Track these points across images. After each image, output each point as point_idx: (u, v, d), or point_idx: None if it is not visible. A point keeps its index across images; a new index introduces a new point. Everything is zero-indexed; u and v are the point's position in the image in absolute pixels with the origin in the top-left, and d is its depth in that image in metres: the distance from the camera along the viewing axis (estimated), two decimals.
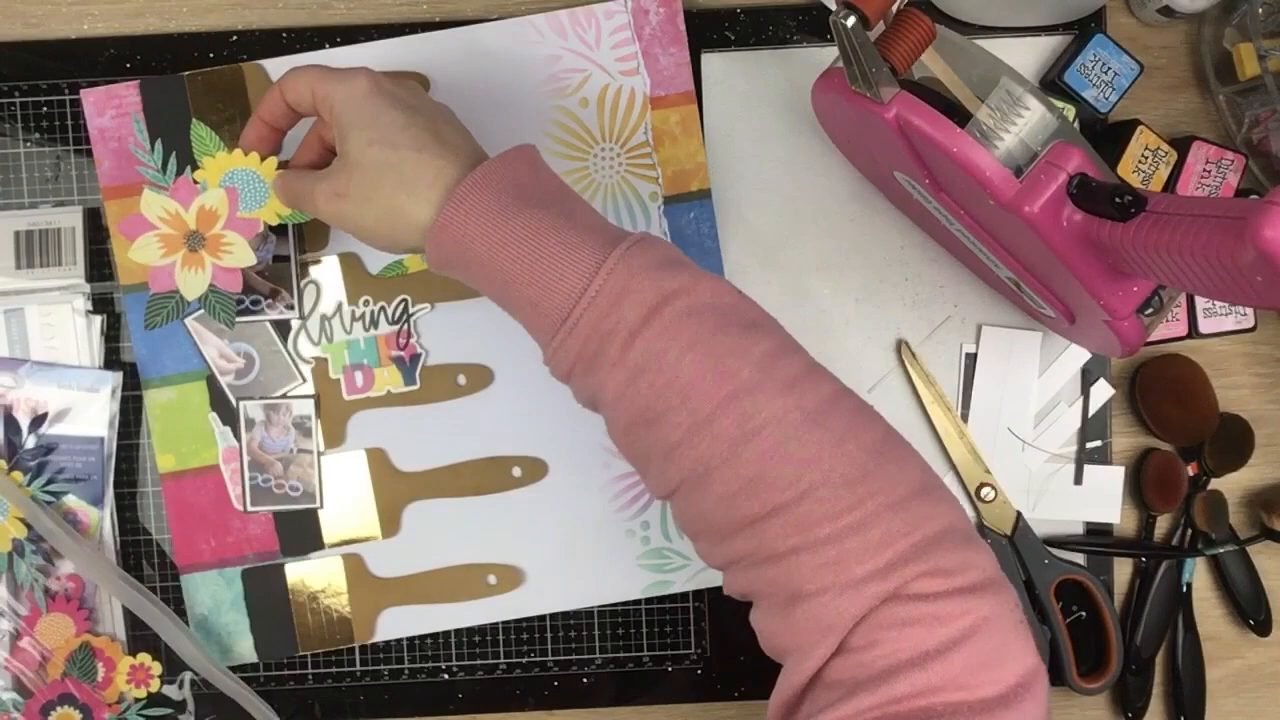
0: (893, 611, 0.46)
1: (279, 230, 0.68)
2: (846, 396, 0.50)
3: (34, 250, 0.68)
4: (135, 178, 0.68)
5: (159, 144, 0.67)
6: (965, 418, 0.71)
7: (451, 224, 0.51)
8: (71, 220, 0.68)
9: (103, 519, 0.68)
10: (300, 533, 0.69)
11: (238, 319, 0.68)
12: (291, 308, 0.69)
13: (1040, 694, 0.46)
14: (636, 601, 0.71)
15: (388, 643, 0.71)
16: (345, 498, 0.70)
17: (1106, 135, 0.70)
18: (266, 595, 0.69)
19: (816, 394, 0.49)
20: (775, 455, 0.47)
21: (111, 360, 0.69)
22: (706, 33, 0.70)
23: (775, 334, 0.51)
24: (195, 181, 0.63)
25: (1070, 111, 0.68)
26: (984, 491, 0.71)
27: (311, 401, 0.69)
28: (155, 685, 0.69)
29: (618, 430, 0.52)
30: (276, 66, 0.68)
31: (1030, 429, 0.71)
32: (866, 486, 0.47)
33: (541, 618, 0.71)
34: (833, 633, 0.46)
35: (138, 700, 0.69)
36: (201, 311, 0.68)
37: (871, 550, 0.46)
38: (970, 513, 0.71)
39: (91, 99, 0.68)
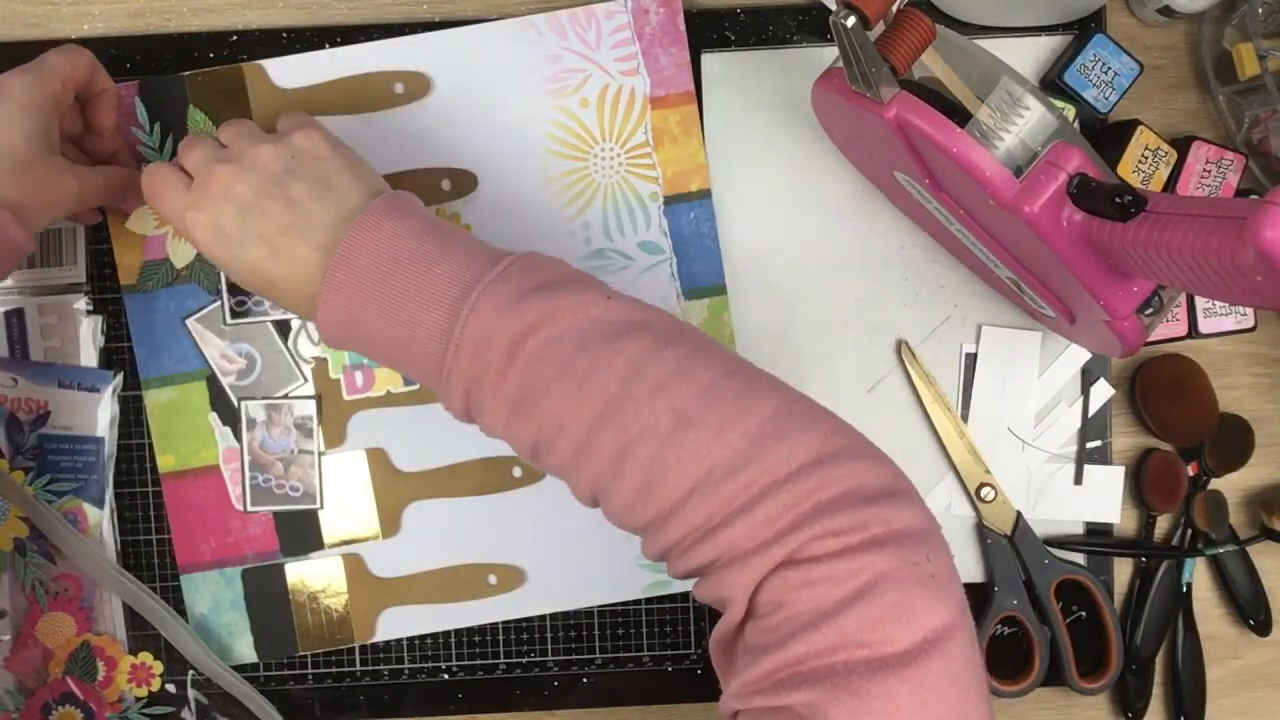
0: (787, 576, 0.46)
1: None
2: (730, 379, 0.49)
3: (34, 250, 0.68)
4: None
5: (157, 126, 0.67)
6: (965, 418, 0.71)
7: (329, 313, 0.54)
8: (72, 220, 0.68)
9: (103, 519, 0.68)
10: (300, 533, 0.69)
11: (238, 320, 0.69)
12: None
13: (953, 651, 0.45)
14: (636, 601, 0.71)
15: (388, 643, 0.71)
16: (345, 498, 0.70)
17: (1106, 135, 0.70)
18: (266, 595, 0.69)
19: (691, 388, 0.48)
20: (655, 462, 0.48)
21: (111, 360, 0.69)
22: (706, 33, 0.70)
23: (645, 335, 0.50)
24: None
25: (1070, 111, 0.68)
26: (984, 491, 0.71)
27: (313, 402, 0.69)
28: (156, 684, 0.69)
29: (523, 458, 0.53)
30: (276, 66, 0.68)
31: (1030, 429, 0.71)
32: (749, 472, 0.47)
33: (541, 618, 0.71)
34: (733, 604, 0.47)
35: (139, 699, 0.69)
36: (203, 312, 0.68)
37: (759, 526, 0.46)
38: (970, 513, 0.71)
39: None
